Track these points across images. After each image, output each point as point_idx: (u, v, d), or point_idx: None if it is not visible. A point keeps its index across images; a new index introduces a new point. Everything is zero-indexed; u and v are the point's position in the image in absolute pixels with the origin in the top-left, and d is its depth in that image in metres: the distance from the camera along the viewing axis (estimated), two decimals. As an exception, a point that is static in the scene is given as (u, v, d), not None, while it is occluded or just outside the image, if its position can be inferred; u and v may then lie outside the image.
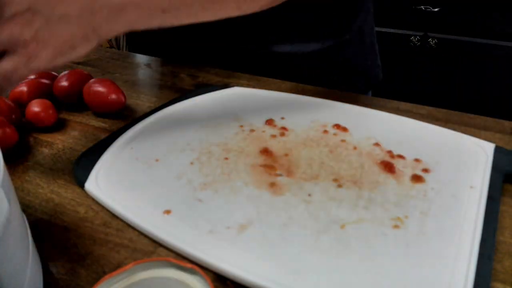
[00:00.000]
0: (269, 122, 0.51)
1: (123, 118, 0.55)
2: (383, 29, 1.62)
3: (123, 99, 0.55)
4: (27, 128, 0.52)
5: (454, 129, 0.49)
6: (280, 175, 0.41)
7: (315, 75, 0.68)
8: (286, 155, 0.44)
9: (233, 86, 0.61)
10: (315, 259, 0.31)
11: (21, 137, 0.50)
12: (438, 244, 0.33)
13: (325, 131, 0.49)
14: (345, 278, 0.30)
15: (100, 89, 0.54)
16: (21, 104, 0.54)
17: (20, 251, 0.26)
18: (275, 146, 0.46)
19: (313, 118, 0.51)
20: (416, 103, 0.58)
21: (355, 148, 0.45)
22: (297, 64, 0.68)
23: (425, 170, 0.42)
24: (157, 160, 0.44)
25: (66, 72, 0.57)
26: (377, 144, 0.46)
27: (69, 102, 0.56)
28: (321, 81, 0.66)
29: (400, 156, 0.44)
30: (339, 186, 0.40)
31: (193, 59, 0.74)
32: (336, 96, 0.60)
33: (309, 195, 0.38)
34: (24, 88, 0.54)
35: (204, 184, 0.40)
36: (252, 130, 0.49)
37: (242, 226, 0.35)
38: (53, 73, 0.60)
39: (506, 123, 0.52)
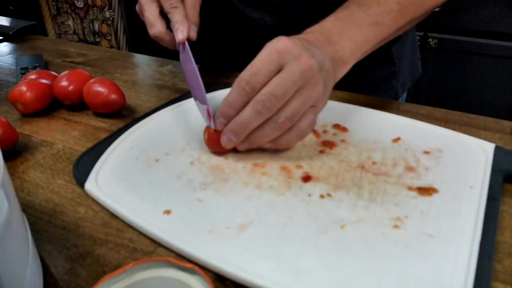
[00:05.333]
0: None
1: (123, 118, 0.55)
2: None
3: (123, 99, 0.55)
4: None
5: (454, 129, 0.49)
6: (280, 175, 0.41)
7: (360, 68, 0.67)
8: (286, 155, 0.44)
9: (233, 86, 0.61)
10: (315, 259, 0.31)
11: (21, 137, 0.50)
12: (438, 244, 0.33)
13: (325, 131, 0.49)
14: (345, 278, 0.30)
15: (100, 89, 0.54)
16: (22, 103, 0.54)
17: (20, 251, 0.26)
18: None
19: (313, 118, 0.51)
20: (416, 103, 0.58)
21: (355, 148, 0.45)
22: None
23: (425, 170, 0.42)
24: (157, 160, 0.44)
25: (66, 72, 0.57)
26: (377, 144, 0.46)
27: (69, 102, 0.56)
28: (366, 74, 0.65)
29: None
30: (339, 186, 0.39)
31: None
32: (336, 96, 0.60)
33: (309, 195, 0.38)
34: (24, 88, 0.54)
35: (204, 184, 0.40)
36: (252, 130, 0.49)
37: (242, 226, 0.35)
38: (53, 73, 0.60)
39: (506, 123, 0.52)
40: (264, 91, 0.38)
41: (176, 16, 0.51)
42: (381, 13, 0.47)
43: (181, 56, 0.53)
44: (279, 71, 0.39)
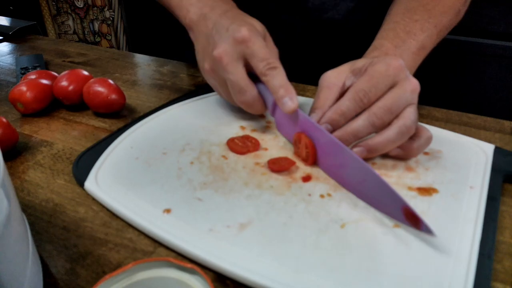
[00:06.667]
0: (269, 123, 0.51)
1: (123, 118, 0.55)
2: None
3: (123, 99, 0.55)
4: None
5: (454, 129, 0.49)
6: (280, 175, 0.41)
7: None
8: (287, 155, 0.44)
9: (233, 86, 0.61)
10: (315, 258, 0.31)
11: (21, 137, 0.50)
12: (438, 244, 0.33)
13: (325, 131, 0.49)
14: (345, 278, 0.30)
15: (100, 89, 0.54)
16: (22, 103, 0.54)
17: (20, 251, 0.26)
18: (275, 146, 0.46)
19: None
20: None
21: (355, 148, 0.45)
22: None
23: (425, 170, 0.42)
24: (157, 160, 0.44)
25: (66, 72, 0.57)
26: (377, 144, 0.46)
27: (69, 102, 0.56)
28: None
29: (400, 156, 0.44)
30: (339, 186, 0.39)
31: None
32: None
33: (309, 194, 0.38)
34: (24, 88, 0.54)
35: (204, 183, 0.40)
36: (253, 130, 0.49)
37: (242, 225, 0.35)
38: (53, 73, 0.60)
39: (506, 123, 0.52)
40: (381, 104, 0.39)
41: (279, 80, 0.42)
42: (425, 38, 0.50)
43: (281, 122, 0.46)
44: (391, 86, 0.40)
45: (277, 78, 0.42)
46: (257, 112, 0.47)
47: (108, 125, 0.53)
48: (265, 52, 0.43)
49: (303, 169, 0.42)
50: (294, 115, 0.43)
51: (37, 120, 0.55)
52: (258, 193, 0.38)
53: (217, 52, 0.44)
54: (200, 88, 0.61)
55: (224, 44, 0.44)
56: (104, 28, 2.08)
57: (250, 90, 0.44)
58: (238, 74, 0.43)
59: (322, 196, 0.38)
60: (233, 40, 0.43)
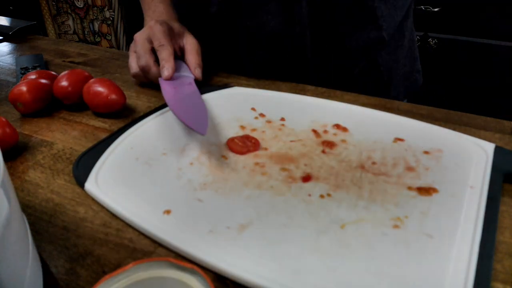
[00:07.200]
0: (269, 122, 0.51)
1: (123, 118, 0.55)
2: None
3: (123, 99, 0.55)
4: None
5: (454, 129, 0.49)
6: (280, 175, 0.41)
7: (349, 78, 0.69)
8: (286, 155, 0.44)
9: (233, 86, 0.61)
10: (315, 259, 0.31)
11: (21, 137, 0.50)
12: (438, 244, 0.33)
13: (325, 131, 0.49)
14: (345, 278, 0.30)
15: (100, 89, 0.54)
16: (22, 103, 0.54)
17: (20, 251, 0.26)
18: (275, 146, 0.46)
19: (313, 118, 0.51)
20: (416, 103, 0.58)
21: (355, 148, 0.45)
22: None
23: (425, 170, 0.42)
24: (157, 160, 0.44)
25: (66, 72, 0.57)
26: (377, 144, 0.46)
27: (69, 102, 0.56)
28: (355, 85, 0.66)
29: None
30: (339, 186, 0.39)
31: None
32: (336, 96, 0.60)
33: (309, 195, 0.38)
34: (24, 88, 0.54)
35: (204, 184, 0.40)
36: (252, 130, 0.49)
37: (242, 226, 0.35)
38: (53, 73, 0.60)
39: (506, 123, 0.52)
40: None
41: (163, 54, 0.58)
42: None
43: (167, 92, 0.55)
44: None
45: (163, 52, 0.59)
46: (153, 76, 0.61)
47: (108, 125, 0.53)
48: (160, 35, 0.60)
49: (303, 169, 0.42)
50: (170, 82, 0.58)
51: (37, 120, 0.55)
52: (258, 193, 0.38)
53: (135, 35, 0.63)
54: (200, 88, 0.61)
55: (141, 31, 0.63)
56: (104, 28, 2.08)
57: (146, 57, 0.60)
58: (141, 46, 0.61)
59: (322, 196, 0.38)
60: (147, 27, 0.63)
